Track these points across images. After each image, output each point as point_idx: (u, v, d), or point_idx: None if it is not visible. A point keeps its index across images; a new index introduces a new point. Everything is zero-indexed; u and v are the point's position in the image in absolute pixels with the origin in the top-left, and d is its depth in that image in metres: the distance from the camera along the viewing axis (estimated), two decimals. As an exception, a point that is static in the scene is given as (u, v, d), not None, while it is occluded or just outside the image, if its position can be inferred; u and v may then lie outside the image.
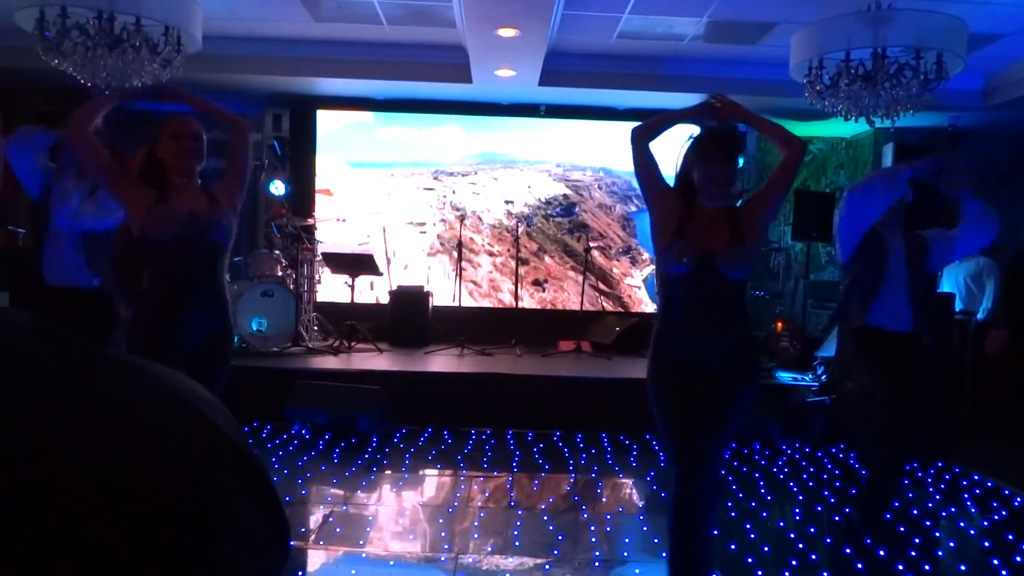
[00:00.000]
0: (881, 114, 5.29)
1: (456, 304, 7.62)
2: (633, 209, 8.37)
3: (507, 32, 5.81)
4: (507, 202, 8.42)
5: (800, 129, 8.61)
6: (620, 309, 8.32)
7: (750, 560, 3.43)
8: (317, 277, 7.52)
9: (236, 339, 6.47)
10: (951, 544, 3.81)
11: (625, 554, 3.51)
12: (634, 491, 4.57)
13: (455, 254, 7.73)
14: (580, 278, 7.96)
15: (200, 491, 0.40)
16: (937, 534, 3.91)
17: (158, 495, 0.38)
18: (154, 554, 0.37)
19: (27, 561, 0.34)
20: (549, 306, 8.28)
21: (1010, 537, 3.85)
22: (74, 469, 0.37)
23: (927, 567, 3.41)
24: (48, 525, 0.35)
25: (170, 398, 0.43)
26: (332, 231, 8.01)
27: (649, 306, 8.21)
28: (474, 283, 8.22)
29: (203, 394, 0.45)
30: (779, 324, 7.24)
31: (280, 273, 6.94)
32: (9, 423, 0.37)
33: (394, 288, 7.66)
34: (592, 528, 3.80)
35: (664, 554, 3.48)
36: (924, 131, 7.90)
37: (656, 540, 3.64)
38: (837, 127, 8.23)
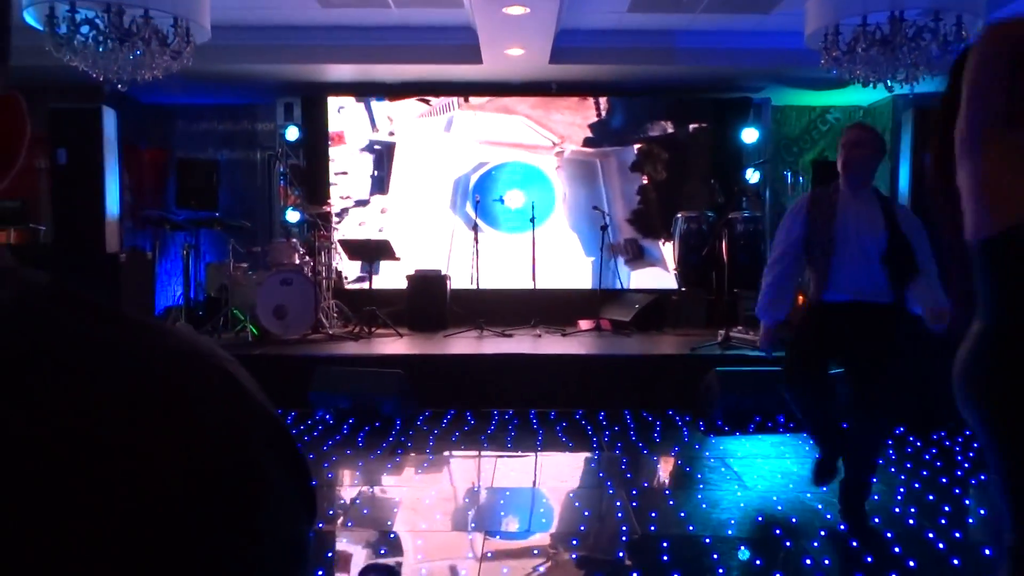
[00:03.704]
0: (900, 79, 5.21)
1: (474, 287, 7.62)
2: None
3: (515, 10, 5.77)
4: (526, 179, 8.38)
5: (816, 98, 8.50)
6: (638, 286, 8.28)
7: (778, 531, 3.42)
8: (335, 264, 7.56)
9: (255, 330, 6.57)
10: (981, 511, 3.78)
11: (652, 528, 3.50)
12: (659, 467, 4.56)
13: (473, 236, 7.71)
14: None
15: (234, 455, 0.39)
16: (967, 502, 3.87)
17: (193, 459, 0.37)
18: (190, 519, 0.36)
19: (53, 533, 0.33)
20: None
21: (1042, 502, 3.81)
22: (101, 431, 0.36)
23: (957, 535, 3.38)
24: (74, 495, 0.34)
25: (194, 358, 0.42)
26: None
27: (666, 283, 8.16)
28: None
29: (225, 354, 0.44)
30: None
31: (298, 261, 6.97)
32: (27, 384, 0.36)
33: (412, 272, 7.67)
34: (618, 504, 3.80)
35: (691, 527, 3.49)
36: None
37: (683, 514, 3.64)
38: (854, 95, 8.10)
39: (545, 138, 8.40)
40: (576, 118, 8.39)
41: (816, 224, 3.40)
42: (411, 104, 8.33)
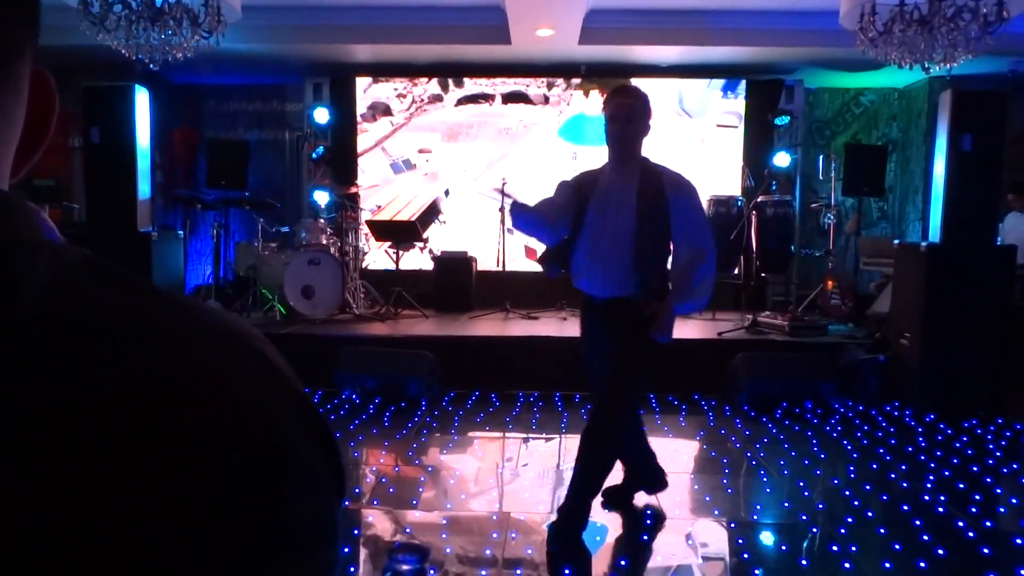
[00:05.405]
0: (938, 61, 5.09)
1: (500, 268, 7.62)
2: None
3: (546, -11, 5.71)
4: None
5: (850, 80, 8.34)
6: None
7: (804, 517, 3.40)
8: (363, 245, 7.59)
9: (283, 309, 6.63)
10: (1013, 500, 3.72)
11: (677, 512, 3.50)
12: (683, 450, 4.55)
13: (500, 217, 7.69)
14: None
15: (264, 432, 0.39)
16: (998, 491, 3.81)
17: (223, 435, 0.37)
18: (219, 497, 0.36)
19: (93, 502, 0.33)
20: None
21: (1076, 493, 3.75)
22: (133, 406, 0.36)
23: (988, 524, 3.34)
24: (102, 471, 0.34)
25: (226, 335, 0.42)
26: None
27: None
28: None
29: (256, 332, 0.44)
30: (830, 282, 7.09)
31: (325, 241, 7.01)
32: (64, 357, 0.36)
33: (439, 254, 7.69)
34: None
35: (716, 511, 3.48)
36: (982, 78, 7.58)
37: (708, 498, 3.63)
38: (889, 77, 7.94)
39: (531, 114, 8.40)
40: (528, 82, 8.37)
41: (577, 203, 3.06)
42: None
